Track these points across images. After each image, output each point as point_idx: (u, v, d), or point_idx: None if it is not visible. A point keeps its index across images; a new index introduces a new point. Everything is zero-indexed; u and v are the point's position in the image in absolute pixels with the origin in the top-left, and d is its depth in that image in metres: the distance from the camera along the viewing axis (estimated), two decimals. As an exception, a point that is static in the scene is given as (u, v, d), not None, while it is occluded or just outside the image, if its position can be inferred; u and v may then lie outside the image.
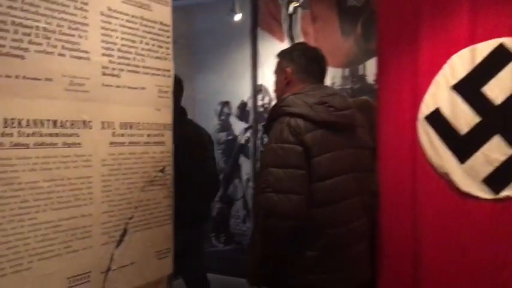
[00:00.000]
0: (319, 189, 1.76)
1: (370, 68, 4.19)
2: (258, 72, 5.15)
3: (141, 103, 2.06)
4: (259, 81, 5.11)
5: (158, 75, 2.15)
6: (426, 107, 2.30)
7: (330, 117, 1.80)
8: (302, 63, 1.96)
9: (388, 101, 2.42)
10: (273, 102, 5.75)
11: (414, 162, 2.34)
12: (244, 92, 5.15)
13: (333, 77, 5.12)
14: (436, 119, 2.26)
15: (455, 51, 2.27)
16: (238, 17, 4.63)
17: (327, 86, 2.01)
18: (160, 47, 2.15)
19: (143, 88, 2.07)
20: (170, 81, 2.22)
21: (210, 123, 5.27)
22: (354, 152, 1.93)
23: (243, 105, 5.15)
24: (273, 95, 5.40)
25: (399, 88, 2.39)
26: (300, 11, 5.03)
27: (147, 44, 2.08)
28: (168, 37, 2.20)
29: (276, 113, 1.89)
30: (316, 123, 1.79)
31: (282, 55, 2.07)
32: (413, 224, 2.38)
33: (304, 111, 1.80)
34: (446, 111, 2.26)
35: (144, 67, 2.07)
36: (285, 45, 5.14)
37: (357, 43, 4.74)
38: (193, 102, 5.70)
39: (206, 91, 5.49)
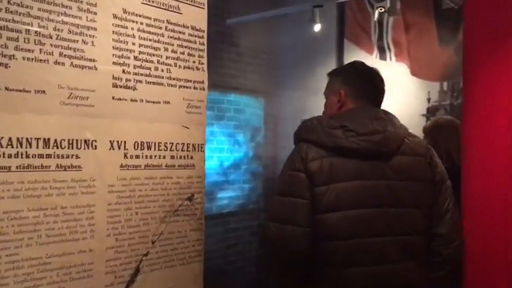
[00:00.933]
0: (322, 222, 1.58)
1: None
2: (343, 88, 4.67)
3: (163, 120, 1.77)
4: (345, 98, 4.64)
5: (188, 87, 1.85)
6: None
7: (345, 142, 1.59)
8: (356, 85, 1.76)
9: (477, 120, 1.89)
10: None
11: (509, 195, 1.79)
12: (328, 110, 4.70)
13: (428, 92, 4.56)
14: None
15: None
16: (317, 27, 4.25)
17: (371, 109, 1.72)
18: (191, 55, 1.86)
19: (167, 102, 1.78)
20: (203, 95, 1.91)
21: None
22: (390, 184, 1.61)
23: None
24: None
25: (492, 103, 1.86)
26: (391, 19, 4.54)
27: (173, 51, 1.80)
28: (201, 44, 1.90)
29: (295, 138, 1.73)
30: (330, 149, 1.60)
31: (335, 75, 1.84)
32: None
33: (313, 137, 1.63)
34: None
35: (169, 78, 1.78)
36: (374, 58, 4.67)
37: (458, 52, 4.12)
38: (275, 120, 5.41)
39: (288, 109, 5.18)
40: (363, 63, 1.82)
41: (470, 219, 1.90)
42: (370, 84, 1.77)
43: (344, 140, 1.59)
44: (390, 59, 4.70)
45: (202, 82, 1.91)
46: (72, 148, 1.51)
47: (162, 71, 1.77)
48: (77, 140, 1.52)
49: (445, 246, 1.67)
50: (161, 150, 1.77)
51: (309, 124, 1.69)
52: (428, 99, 4.56)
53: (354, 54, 4.73)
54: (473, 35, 1.95)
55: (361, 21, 4.81)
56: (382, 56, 4.71)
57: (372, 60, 4.63)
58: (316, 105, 4.98)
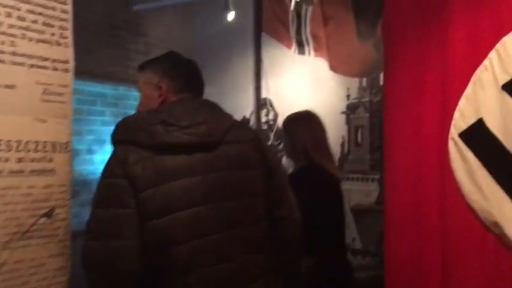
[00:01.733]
0: (153, 229, 1.43)
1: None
2: (262, 84, 4.46)
3: (5, 109, 1.33)
4: (263, 95, 4.43)
5: (44, 67, 1.42)
6: (462, 119, 1.53)
7: (167, 138, 1.47)
8: (178, 78, 1.63)
9: (401, 113, 1.64)
10: (280, 119, 5.00)
11: (443, 203, 1.56)
12: (246, 107, 4.48)
13: (347, 88, 4.38)
14: (478, 137, 1.49)
15: (507, 32, 1.49)
16: (231, 15, 3.93)
17: (192, 100, 1.60)
18: (48, 25, 1.43)
19: (11, 86, 1.34)
20: (67, 78, 1.49)
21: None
22: (220, 175, 1.53)
23: (245, 122, 4.44)
24: (276, 110, 4.69)
25: (417, 94, 1.61)
26: (309, 11, 4.32)
27: (21, 19, 1.37)
28: (64, 11, 1.48)
29: (111, 141, 1.52)
30: (152, 148, 1.45)
31: (152, 68, 1.65)
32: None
33: (132, 137, 1.47)
34: (493, 124, 1.50)
35: (13, 54, 1.35)
36: (292, 52, 4.44)
37: (377, 47, 3.91)
38: (189, 117, 5.06)
39: (203, 105, 4.81)
40: (179, 54, 1.68)
41: (396, 228, 1.65)
42: (192, 76, 1.67)
43: (166, 135, 1.47)
44: (309, 53, 4.48)
45: (66, 62, 1.49)
46: None
47: (3, 43, 1.32)
48: None
49: (288, 228, 1.66)
50: (1, 150, 1.32)
51: (125, 124, 1.53)
52: (348, 96, 4.40)
53: (272, 48, 4.48)
54: (394, 17, 1.71)
55: (278, 12, 4.54)
56: (301, 50, 4.48)
57: (290, 54, 4.40)
58: (235, 102, 4.67)
